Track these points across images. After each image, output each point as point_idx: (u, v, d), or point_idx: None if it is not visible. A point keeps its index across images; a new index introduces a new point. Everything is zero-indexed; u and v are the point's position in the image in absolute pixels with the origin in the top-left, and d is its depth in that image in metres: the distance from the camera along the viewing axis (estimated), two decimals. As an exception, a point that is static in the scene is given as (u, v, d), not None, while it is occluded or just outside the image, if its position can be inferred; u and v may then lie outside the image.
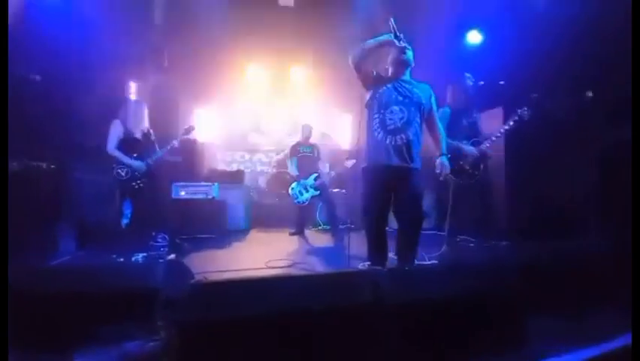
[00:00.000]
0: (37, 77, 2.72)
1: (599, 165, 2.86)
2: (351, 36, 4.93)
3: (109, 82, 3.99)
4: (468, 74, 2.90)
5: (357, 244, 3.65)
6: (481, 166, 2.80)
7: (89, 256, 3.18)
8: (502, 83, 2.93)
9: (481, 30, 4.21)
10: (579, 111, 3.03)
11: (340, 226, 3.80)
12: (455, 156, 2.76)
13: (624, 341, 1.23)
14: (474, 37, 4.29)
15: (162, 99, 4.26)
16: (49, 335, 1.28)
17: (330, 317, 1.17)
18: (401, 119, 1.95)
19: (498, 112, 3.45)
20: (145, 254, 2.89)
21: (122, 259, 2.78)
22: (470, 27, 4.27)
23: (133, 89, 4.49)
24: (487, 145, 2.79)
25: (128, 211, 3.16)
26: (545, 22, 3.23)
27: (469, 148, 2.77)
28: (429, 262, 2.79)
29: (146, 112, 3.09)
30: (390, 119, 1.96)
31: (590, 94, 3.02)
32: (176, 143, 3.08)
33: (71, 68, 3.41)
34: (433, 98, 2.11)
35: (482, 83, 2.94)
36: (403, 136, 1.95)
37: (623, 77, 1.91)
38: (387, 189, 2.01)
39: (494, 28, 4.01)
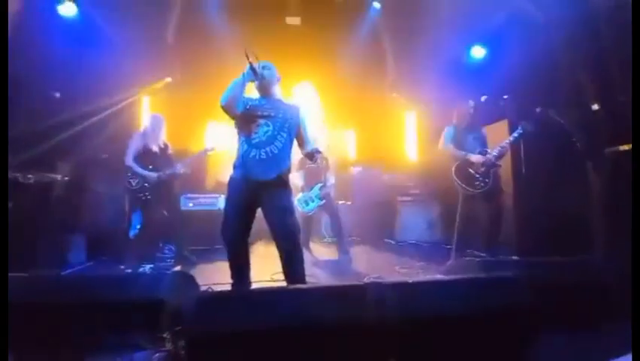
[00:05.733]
0: (57, 94, 2.85)
1: (610, 178, 2.82)
2: (356, 55, 5.08)
3: (123, 97, 4.15)
4: (471, 101, 3.04)
5: (363, 257, 3.65)
6: (490, 175, 2.80)
7: (98, 266, 3.23)
8: (505, 97, 2.96)
9: (485, 45, 4.28)
10: (586, 123, 3.02)
11: (347, 239, 3.79)
12: (463, 164, 2.85)
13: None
14: (477, 52, 4.36)
15: (176, 113, 4.40)
16: (58, 343, 1.30)
17: (334, 330, 1.17)
18: (266, 132, 1.91)
19: (502, 125, 3.46)
20: (152, 265, 2.93)
21: (129, 270, 2.82)
22: (473, 43, 4.34)
23: (150, 105, 4.67)
24: (495, 154, 2.82)
25: (137, 223, 3.23)
26: (548, 35, 3.27)
27: (475, 156, 2.82)
28: (435, 277, 2.76)
29: (164, 126, 3.22)
30: (255, 132, 1.91)
31: (595, 107, 3.01)
32: (190, 161, 3.27)
33: (88, 85, 3.57)
34: (301, 115, 2.08)
35: (485, 97, 2.97)
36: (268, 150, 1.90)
37: (628, 85, 1.92)
38: (249, 203, 1.92)
39: (497, 42, 4.07)
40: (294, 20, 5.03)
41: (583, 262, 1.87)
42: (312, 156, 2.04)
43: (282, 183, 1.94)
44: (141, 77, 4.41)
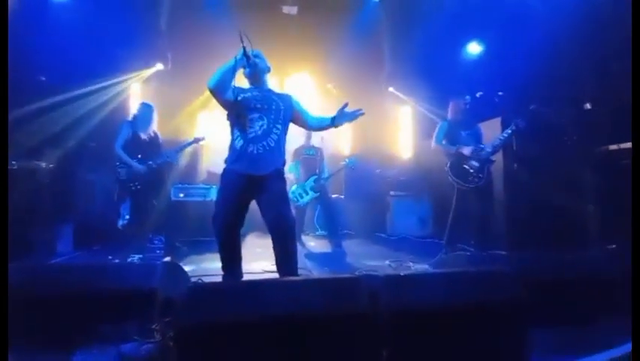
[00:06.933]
0: (42, 78, 2.74)
1: (600, 174, 2.88)
2: (353, 47, 5.03)
3: (113, 83, 4.03)
4: (467, 97, 3.03)
5: (355, 250, 3.66)
6: (485, 170, 2.84)
7: (85, 256, 3.17)
8: (500, 94, 2.97)
9: (481, 41, 4.28)
10: (578, 120, 3.07)
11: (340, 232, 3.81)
12: (458, 160, 2.87)
13: (623, 350, 1.23)
14: (474, 49, 4.36)
15: (166, 102, 4.29)
16: (45, 334, 1.27)
17: (326, 322, 1.17)
18: (261, 126, 1.88)
19: (498, 122, 3.48)
20: (141, 256, 2.89)
21: (117, 260, 2.78)
22: (470, 38, 4.34)
23: (140, 92, 4.55)
24: (488, 150, 2.85)
25: (125, 213, 3.17)
26: (544, 32, 3.28)
27: (467, 148, 2.84)
28: (426, 270, 2.79)
29: (154, 115, 3.14)
30: (250, 127, 1.87)
31: (588, 106, 3.06)
32: (181, 150, 3.23)
33: (75, 70, 3.44)
34: (294, 102, 2.07)
35: (481, 94, 2.98)
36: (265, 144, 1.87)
37: (623, 84, 1.94)
38: (244, 197, 1.90)
39: (493, 39, 4.07)
40: (290, 10, 4.94)
41: (573, 256, 1.91)
42: (343, 117, 1.99)
43: (277, 176, 1.93)
44: (131, 64, 4.28)
